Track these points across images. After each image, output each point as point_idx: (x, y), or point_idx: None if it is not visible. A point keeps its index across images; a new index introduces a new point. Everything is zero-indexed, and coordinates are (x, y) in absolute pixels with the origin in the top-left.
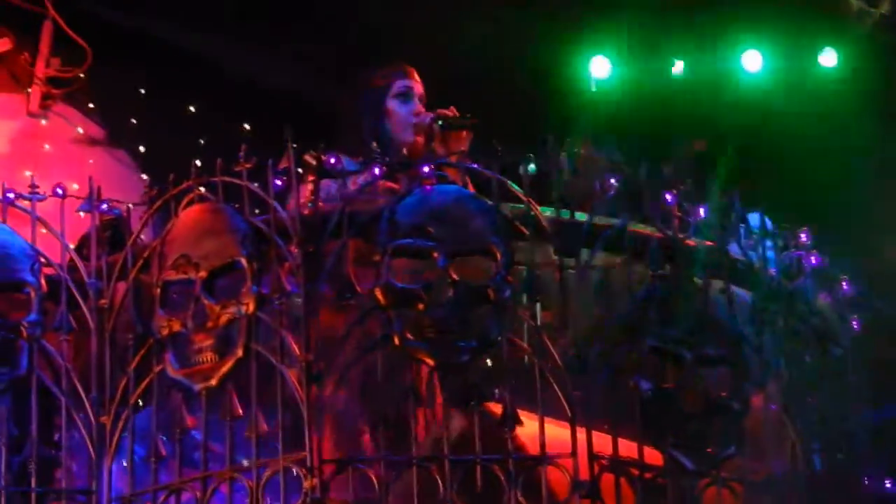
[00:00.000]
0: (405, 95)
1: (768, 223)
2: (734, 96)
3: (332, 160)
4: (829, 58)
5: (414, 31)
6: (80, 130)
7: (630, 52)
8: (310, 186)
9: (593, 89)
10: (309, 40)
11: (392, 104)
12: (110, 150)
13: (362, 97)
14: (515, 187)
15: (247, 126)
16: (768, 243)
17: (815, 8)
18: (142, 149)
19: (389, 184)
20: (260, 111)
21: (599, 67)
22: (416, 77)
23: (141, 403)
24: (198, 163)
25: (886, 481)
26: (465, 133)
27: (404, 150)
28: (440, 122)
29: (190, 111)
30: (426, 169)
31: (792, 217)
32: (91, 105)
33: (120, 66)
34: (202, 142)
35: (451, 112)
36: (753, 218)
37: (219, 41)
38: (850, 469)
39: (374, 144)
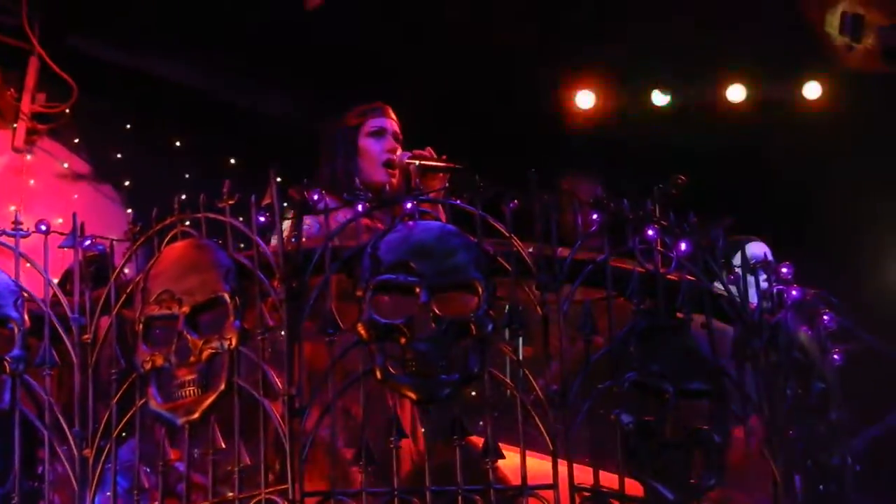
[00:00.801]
0: (378, 133)
1: (764, 255)
2: (717, 128)
3: (315, 196)
4: (812, 90)
5: (402, 67)
6: (66, 165)
7: (613, 86)
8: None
9: (576, 123)
10: (296, 75)
11: (365, 142)
12: (96, 185)
13: (336, 135)
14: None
15: (232, 160)
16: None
17: (799, 41)
18: (127, 183)
19: (367, 221)
20: (245, 145)
21: (583, 100)
22: (392, 115)
23: (125, 435)
24: (182, 198)
25: None
26: (441, 175)
27: (377, 189)
28: (417, 164)
29: (175, 146)
30: (408, 206)
31: (775, 247)
32: (76, 140)
33: (105, 102)
34: (188, 176)
35: (428, 153)
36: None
37: (204, 76)
38: (833, 501)
39: (357, 181)
